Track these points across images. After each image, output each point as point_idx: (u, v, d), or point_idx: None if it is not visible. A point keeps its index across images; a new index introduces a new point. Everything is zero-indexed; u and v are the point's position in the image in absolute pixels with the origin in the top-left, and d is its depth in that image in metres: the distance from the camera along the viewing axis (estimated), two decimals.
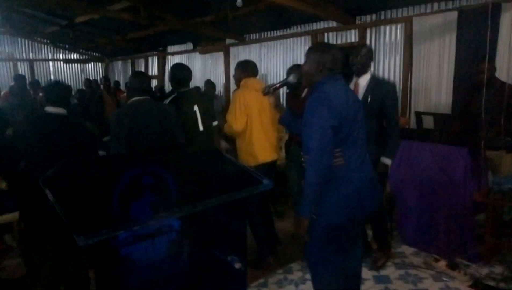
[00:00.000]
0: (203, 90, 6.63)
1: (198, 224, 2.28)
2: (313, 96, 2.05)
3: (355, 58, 2.95)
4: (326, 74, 2.06)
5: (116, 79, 11.29)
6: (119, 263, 2.02)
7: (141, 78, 2.94)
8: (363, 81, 2.98)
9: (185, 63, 9.14)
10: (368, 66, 3.01)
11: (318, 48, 2.18)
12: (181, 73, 3.30)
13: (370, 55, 3.03)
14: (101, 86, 8.14)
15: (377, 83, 2.97)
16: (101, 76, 11.47)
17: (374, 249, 3.33)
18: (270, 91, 2.41)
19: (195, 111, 3.23)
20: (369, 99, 2.90)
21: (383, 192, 2.98)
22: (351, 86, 2.99)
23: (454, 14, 4.51)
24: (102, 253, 2.01)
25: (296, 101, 3.34)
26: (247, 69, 3.34)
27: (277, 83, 2.41)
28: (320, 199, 2.03)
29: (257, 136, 3.19)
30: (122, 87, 9.70)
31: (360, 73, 2.99)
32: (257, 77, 3.43)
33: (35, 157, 2.59)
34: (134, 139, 2.75)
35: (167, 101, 3.21)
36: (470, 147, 3.19)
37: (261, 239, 3.32)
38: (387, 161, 2.93)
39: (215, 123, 3.51)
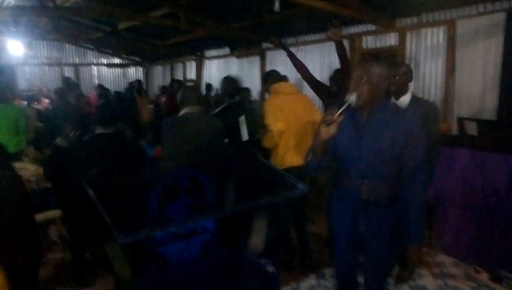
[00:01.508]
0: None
1: (232, 227, 2.31)
2: (410, 118, 1.93)
3: (393, 78, 2.69)
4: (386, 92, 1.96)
5: (156, 83, 11.64)
6: (155, 261, 2.08)
7: (192, 89, 3.12)
8: (403, 102, 2.75)
9: (222, 68, 9.34)
10: (408, 86, 2.80)
11: (380, 62, 1.95)
12: (231, 84, 3.44)
13: (409, 74, 2.80)
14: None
15: (418, 104, 2.74)
16: (143, 81, 11.90)
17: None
18: (334, 119, 1.84)
19: (240, 121, 3.31)
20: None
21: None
22: None
23: (502, 16, 4.30)
24: (140, 251, 2.08)
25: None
26: (272, 77, 3.43)
27: (339, 109, 1.86)
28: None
29: (289, 140, 3.18)
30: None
31: (398, 95, 2.76)
32: (290, 81, 3.47)
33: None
34: (183, 147, 2.88)
35: (216, 111, 3.36)
36: None
37: (289, 241, 3.33)
38: None
39: (257, 136, 3.53)
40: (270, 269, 2.28)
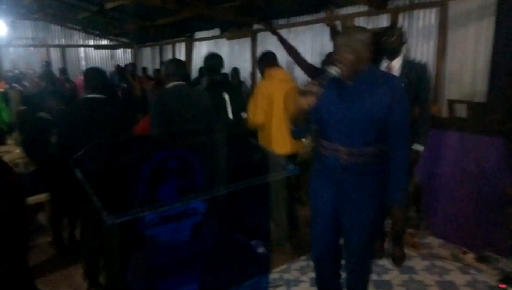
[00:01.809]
0: (230, 77, 6.70)
1: (222, 208, 2.30)
2: (395, 82, 1.95)
3: (389, 39, 2.84)
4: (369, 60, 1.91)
5: (144, 65, 11.43)
6: (144, 244, 2.06)
7: (179, 64, 3.05)
8: (396, 64, 2.86)
9: (212, 50, 9.19)
10: (401, 48, 2.89)
11: (359, 30, 1.93)
12: (213, 61, 3.39)
13: (403, 37, 2.91)
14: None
15: (410, 66, 2.85)
16: (131, 62, 11.68)
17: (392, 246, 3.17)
18: (313, 91, 1.76)
19: (225, 99, 3.26)
20: (403, 84, 2.78)
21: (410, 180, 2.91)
22: (383, 69, 2.88)
23: None
24: (128, 233, 2.06)
25: None
26: (268, 59, 3.37)
27: (320, 80, 1.81)
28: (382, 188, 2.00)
29: (277, 127, 3.15)
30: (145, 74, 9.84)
31: (393, 56, 2.86)
32: (284, 65, 3.44)
33: (75, 138, 2.66)
34: (172, 120, 2.84)
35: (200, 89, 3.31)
36: (505, 137, 3.06)
37: (280, 224, 3.33)
38: (419, 147, 2.87)
39: (243, 114, 3.45)
40: (261, 250, 2.29)
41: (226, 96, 3.27)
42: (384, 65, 2.89)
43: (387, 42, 2.84)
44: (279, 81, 3.22)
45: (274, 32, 3.83)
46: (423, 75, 2.84)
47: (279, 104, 3.14)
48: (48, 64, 7.43)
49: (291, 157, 3.25)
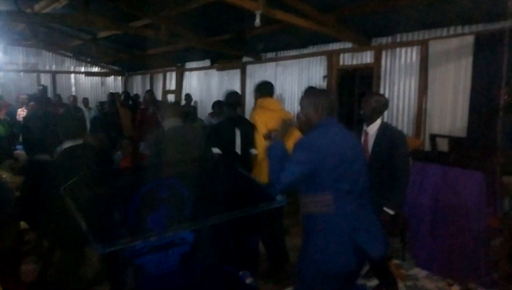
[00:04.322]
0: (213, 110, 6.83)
1: (211, 238, 2.32)
2: (299, 140, 2.03)
3: (363, 105, 2.86)
4: (322, 117, 2.05)
5: (135, 92, 11.52)
6: (133, 273, 2.07)
7: (172, 104, 3.20)
8: (372, 129, 2.85)
9: (202, 80, 9.33)
10: (379, 115, 2.87)
11: (311, 92, 2.18)
12: (234, 98, 3.53)
13: (382, 104, 2.85)
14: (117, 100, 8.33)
15: (386, 131, 2.81)
16: (121, 90, 11.78)
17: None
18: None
19: (235, 135, 3.35)
20: (377, 148, 2.80)
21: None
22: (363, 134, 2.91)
23: (471, 38, 4.53)
24: (117, 262, 2.06)
25: None
26: (262, 89, 3.47)
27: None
28: (312, 247, 2.00)
29: None
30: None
31: (369, 122, 2.86)
32: (273, 96, 3.54)
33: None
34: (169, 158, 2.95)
35: (217, 123, 3.41)
36: (485, 171, 3.17)
37: (273, 254, 3.34)
38: (390, 211, 2.74)
39: (253, 151, 3.43)
40: (248, 280, 2.30)
41: (238, 132, 3.35)
42: (363, 129, 2.91)
43: (362, 108, 2.87)
44: (270, 111, 3.31)
45: None
46: (399, 143, 2.76)
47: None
48: (44, 88, 7.56)
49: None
